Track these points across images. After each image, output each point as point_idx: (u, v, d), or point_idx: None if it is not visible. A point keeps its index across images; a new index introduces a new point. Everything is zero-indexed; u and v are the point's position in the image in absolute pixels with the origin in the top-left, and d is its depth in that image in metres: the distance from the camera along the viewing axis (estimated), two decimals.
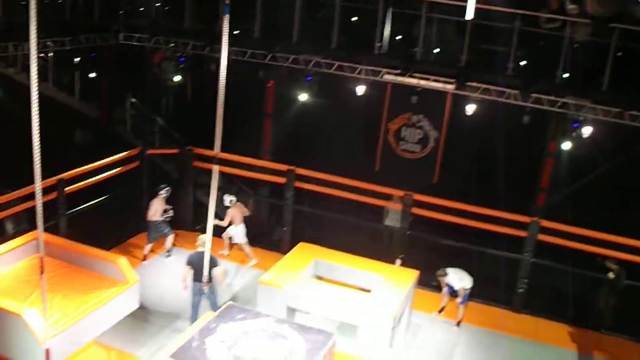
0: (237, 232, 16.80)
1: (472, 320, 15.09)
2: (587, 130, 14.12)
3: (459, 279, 14.60)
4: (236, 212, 16.73)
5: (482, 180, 17.58)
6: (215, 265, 12.96)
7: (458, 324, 14.79)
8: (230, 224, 16.71)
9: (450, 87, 15.12)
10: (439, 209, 16.25)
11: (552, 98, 14.27)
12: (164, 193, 16.69)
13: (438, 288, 15.25)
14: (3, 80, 16.74)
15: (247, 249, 16.78)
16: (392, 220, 17.64)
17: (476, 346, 14.26)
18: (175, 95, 21.19)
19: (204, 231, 13.00)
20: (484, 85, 14.69)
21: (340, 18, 15.75)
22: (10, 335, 10.74)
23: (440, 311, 15.16)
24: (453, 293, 14.83)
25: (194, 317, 13.15)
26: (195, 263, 13.01)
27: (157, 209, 16.55)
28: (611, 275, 15.06)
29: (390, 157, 18.21)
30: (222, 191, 14.41)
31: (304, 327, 11.20)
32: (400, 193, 16.54)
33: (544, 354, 14.23)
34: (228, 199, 16.72)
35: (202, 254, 12.65)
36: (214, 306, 13.18)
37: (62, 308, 11.23)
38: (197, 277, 12.95)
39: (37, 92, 8.67)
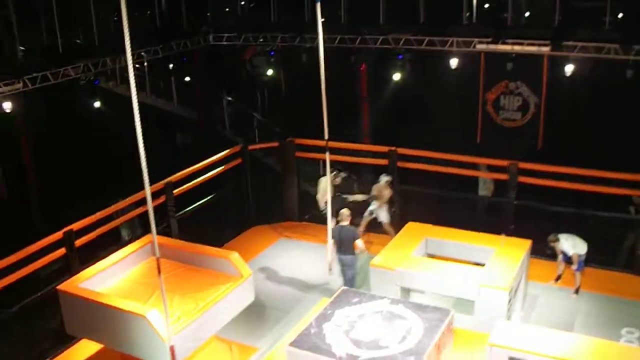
0: (382, 211, 16.73)
1: (591, 287, 14.62)
2: None
3: (572, 245, 14.17)
4: (385, 191, 16.60)
5: (589, 141, 17.03)
6: (356, 238, 13.48)
7: (576, 291, 14.39)
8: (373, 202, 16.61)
9: (545, 50, 14.74)
10: (546, 176, 15.81)
11: None
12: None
13: (553, 256, 14.84)
14: (104, 93, 17.34)
15: (389, 228, 16.68)
16: (484, 189, 17.41)
17: (597, 312, 13.80)
18: (269, 90, 21.47)
19: (312, 220, 13.20)
20: (581, 43, 14.22)
21: None
22: (136, 336, 11.11)
23: (557, 279, 14.77)
24: (568, 260, 14.44)
25: (346, 284, 13.58)
26: (339, 237, 13.48)
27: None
28: None
29: (491, 128, 17.89)
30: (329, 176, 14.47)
31: (419, 305, 11.12)
32: (505, 162, 16.16)
33: None
34: (384, 178, 16.59)
35: (345, 227, 13.52)
36: (352, 280, 13.68)
37: (182, 306, 11.54)
38: (343, 250, 13.50)
39: (137, 102, 8.92)
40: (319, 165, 14.04)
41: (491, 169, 16.83)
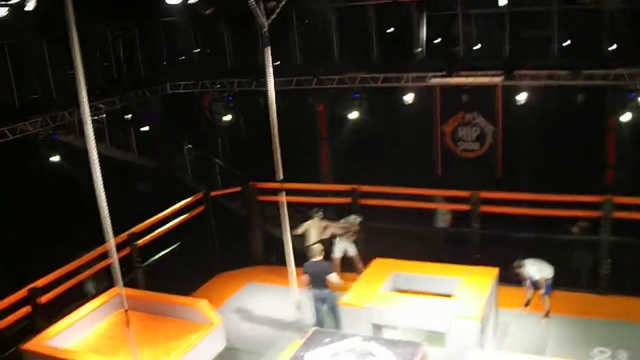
0: (350, 245, 16.68)
1: (560, 310, 14.75)
2: None
3: (537, 269, 14.31)
4: (354, 227, 16.61)
5: (546, 167, 17.29)
6: (329, 272, 13.54)
7: (546, 314, 14.51)
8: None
9: (498, 80, 15.03)
10: (507, 203, 16.02)
11: (603, 72, 14.04)
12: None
13: (520, 282, 14.96)
14: (64, 147, 17.18)
15: (358, 261, 16.61)
16: (442, 221, 17.63)
17: (568, 335, 13.92)
18: (230, 135, 21.48)
19: (277, 262, 13.12)
20: (532, 72, 14.53)
21: (377, 31, 15.78)
22: None
23: (526, 305, 14.88)
24: (535, 285, 14.57)
25: (318, 321, 13.70)
26: (312, 271, 13.53)
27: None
28: None
29: (451, 159, 18.11)
30: (291, 220, 14.46)
31: (391, 341, 11.14)
32: (466, 193, 16.34)
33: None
34: (355, 218, 16.58)
35: (318, 262, 13.61)
36: (334, 309, 13.60)
37: (153, 358, 11.43)
38: (316, 284, 13.47)
39: (96, 154, 8.94)
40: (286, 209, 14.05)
41: (453, 199, 17.00)
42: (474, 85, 15.54)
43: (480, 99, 16.64)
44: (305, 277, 13.56)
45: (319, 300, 13.66)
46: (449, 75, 15.46)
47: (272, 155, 12.77)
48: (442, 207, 17.58)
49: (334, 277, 13.59)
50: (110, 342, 12.33)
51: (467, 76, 15.45)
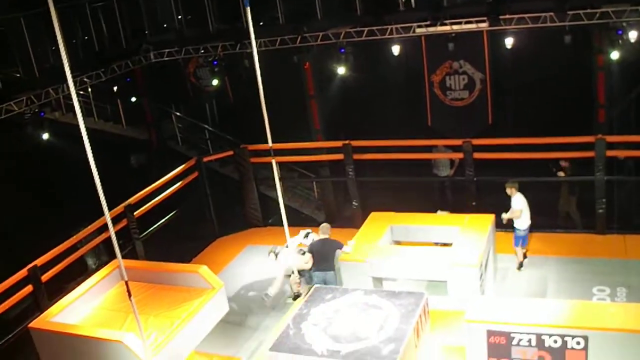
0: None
1: (559, 252, 14.87)
2: (633, 35, 13.75)
3: (521, 205, 14.13)
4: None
5: (537, 110, 17.23)
6: (341, 248, 13.27)
7: (520, 266, 14.51)
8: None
9: (483, 26, 14.93)
10: (500, 149, 16.02)
11: (589, 11, 13.94)
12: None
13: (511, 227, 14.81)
14: (51, 124, 17.07)
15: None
16: (441, 169, 17.71)
17: (566, 276, 13.99)
18: (217, 100, 21.36)
19: (275, 223, 13.08)
20: (518, 15, 14.42)
21: None
22: None
23: (520, 267, 14.76)
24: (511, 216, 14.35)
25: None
26: (321, 250, 13.31)
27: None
28: None
29: (440, 109, 18.02)
30: (284, 181, 14.40)
31: (393, 293, 11.21)
32: (459, 141, 16.32)
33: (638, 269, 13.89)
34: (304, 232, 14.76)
35: (327, 240, 13.35)
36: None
37: (157, 326, 11.48)
38: (323, 266, 13.23)
39: (85, 128, 8.88)
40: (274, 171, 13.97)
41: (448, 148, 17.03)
42: (459, 32, 15.43)
43: (467, 46, 16.52)
44: (309, 257, 13.36)
45: (321, 282, 13.17)
46: (435, 24, 15.34)
47: (260, 117, 12.70)
48: (440, 157, 17.55)
49: (349, 247, 13.34)
50: (115, 314, 12.35)
51: (452, 24, 15.34)
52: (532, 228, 14.63)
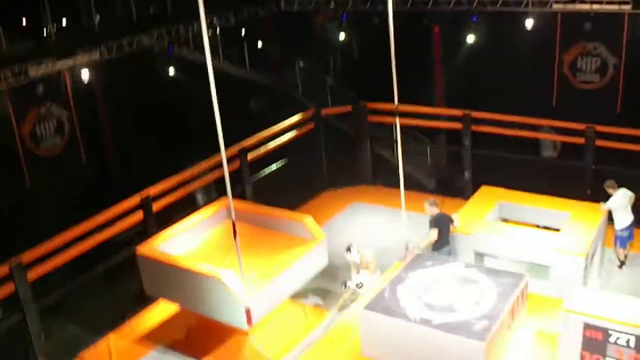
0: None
1: None
2: None
3: (618, 203, 13.43)
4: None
5: None
6: (452, 222, 12.99)
7: (621, 265, 13.96)
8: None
9: (626, 8, 14.31)
10: (624, 139, 15.42)
11: None
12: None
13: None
14: (177, 61, 17.56)
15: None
16: (547, 150, 17.20)
17: None
18: (341, 54, 21.39)
19: (385, 184, 12.92)
20: None
21: None
22: (212, 298, 11.43)
23: (621, 266, 14.24)
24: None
25: None
26: (442, 225, 12.89)
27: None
28: None
29: (567, 90, 17.50)
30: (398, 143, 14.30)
31: (493, 270, 11.08)
32: (582, 126, 15.81)
33: None
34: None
35: (444, 214, 12.90)
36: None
37: (257, 269, 11.78)
38: (440, 243, 12.85)
39: (212, 68, 9.10)
40: (392, 130, 13.90)
41: (567, 131, 16.46)
42: (598, 12, 14.85)
43: (604, 28, 15.89)
44: (434, 232, 12.83)
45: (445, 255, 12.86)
46: (574, 1, 14.84)
47: (384, 75, 12.63)
48: (550, 138, 17.08)
49: (456, 221, 13.13)
50: (217, 251, 12.76)
51: (592, 3, 14.78)
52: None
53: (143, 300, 13.75)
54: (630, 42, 16.36)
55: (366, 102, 18.19)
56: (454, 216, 13.09)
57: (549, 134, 17.10)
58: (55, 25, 17.26)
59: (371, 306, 10.22)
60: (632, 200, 13.54)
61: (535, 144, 17.59)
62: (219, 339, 12.32)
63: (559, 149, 17.45)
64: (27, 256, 12.51)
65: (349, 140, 18.96)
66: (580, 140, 16.04)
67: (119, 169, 19.26)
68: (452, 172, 18.91)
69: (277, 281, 11.71)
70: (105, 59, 15.98)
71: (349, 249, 13.02)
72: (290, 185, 18.24)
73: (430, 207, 12.95)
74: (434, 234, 12.66)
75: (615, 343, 9.12)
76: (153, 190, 14.58)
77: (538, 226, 13.57)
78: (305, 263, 12.36)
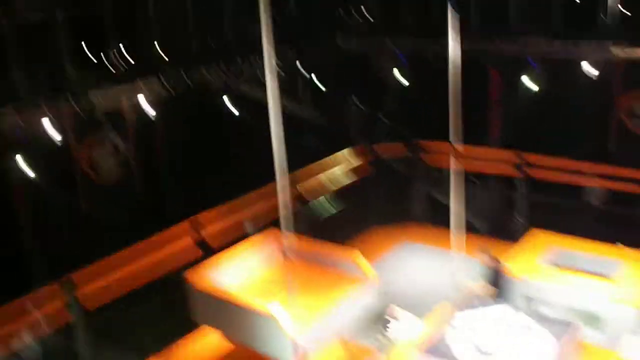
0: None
1: None
2: None
3: None
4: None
5: None
6: None
7: None
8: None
9: None
10: None
11: None
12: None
13: None
14: (236, 95, 17.81)
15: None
16: (589, 196, 17.14)
17: None
18: (398, 93, 21.41)
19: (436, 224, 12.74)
20: None
21: None
22: (262, 332, 11.45)
23: None
24: None
25: None
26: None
27: None
28: None
29: (625, 136, 17.28)
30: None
31: (546, 317, 10.94)
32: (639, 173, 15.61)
33: None
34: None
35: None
36: None
37: (307, 305, 11.76)
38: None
39: (278, 105, 9.27)
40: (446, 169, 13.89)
41: (624, 179, 16.23)
42: None
43: None
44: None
45: None
46: (634, 47, 14.73)
47: (441, 115, 12.66)
48: (620, 187, 16.79)
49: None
50: (267, 285, 12.77)
51: None
52: None
53: (188, 326, 13.83)
54: None
55: (422, 140, 18.19)
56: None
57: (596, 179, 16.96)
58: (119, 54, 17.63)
59: (425, 347, 10.14)
60: None
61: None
62: None
63: (603, 197, 17.23)
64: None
65: (402, 178, 18.95)
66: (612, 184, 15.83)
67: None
68: (503, 215, 18.74)
69: (328, 319, 11.68)
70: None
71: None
72: (339, 218, 18.20)
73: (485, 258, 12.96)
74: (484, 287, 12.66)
75: None
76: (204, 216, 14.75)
77: (590, 273, 13.39)
78: (355, 302, 12.30)
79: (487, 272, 12.74)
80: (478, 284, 12.59)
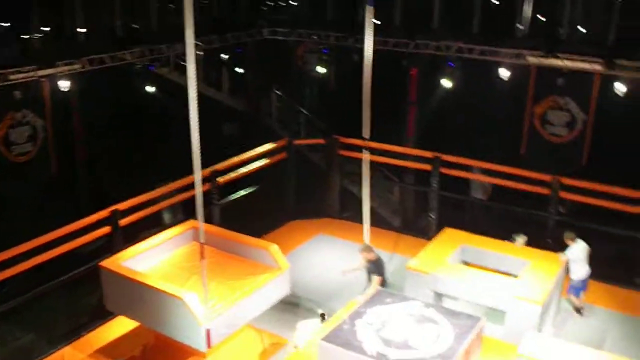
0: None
1: (627, 309, 14.62)
2: None
3: (577, 256, 13.87)
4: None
5: (634, 162, 16.84)
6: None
7: (578, 311, 14.33)
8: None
9: (598, 67, 14.74)
10: (588, 193, 15.81)
11: None
12: None
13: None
14: (158, 79, 17.64)
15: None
16: (476, 191, 17.91)
17: (629, 334, 13.76)
18: (318, 86, 21.62)
19: (350, 219, 12.99)
20: (636, 64, 14.19)
21: (480, 1, 15.63)
22: (172, 317, 11.44)
23: (578, 311, 14.60)
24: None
25: None
26: (383, 268, 13.33)
27: None
28: None
29: (536, 141, 17.88)
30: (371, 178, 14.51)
31: (451, 311, 11.25)
32: (548, 177, 16.19)
33: None
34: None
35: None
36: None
37: (219, 292, 11.85)
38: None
39: (195, 90, 9.25)
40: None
41: (533, 181, 16.77)
42: (572, 69, 15.29)
43: (576, 84, 16.33)
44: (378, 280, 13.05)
45: None
46: (548, 56, 15.24)
47: (358, 111, 12.88)
48: (479, 178, 17.39)
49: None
50: (181, 271, 12.76)
51: (566, 59, 15.22)
52: (607, 279, 14.51)
53: (102, 315, 13.72)
54: (599, 99, 16.82)
55: (339, 135, 18.43)
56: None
57: (479, 174, 17.56)
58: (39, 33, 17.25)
59: (329, 338, 10.32)
60: (589, 253, 13.93)
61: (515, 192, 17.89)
62: (175, 359, 12.29)
63: (489, 192, 17.92)
64: None
65: (319, 173, 19.14)
66: (546, 191, 16.39)
67: (88, 182, 19.18)
68: (418, 212, 19.17)
69: (239, 306, 11.76)
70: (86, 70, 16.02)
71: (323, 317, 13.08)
72: (258, 212, 18.31)
73: (368, 253, 13.16)
74: (377, 282, 12.84)
75: None
76: (122, 205, 14.59)
77: (498, 271, 13.84)
78: (267, 291, 12.44)
79: (375, 265, 13.07)
80: (375, 277, 12.87)
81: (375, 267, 13.05)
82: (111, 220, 14.29)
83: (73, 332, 13.57)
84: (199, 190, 10.01)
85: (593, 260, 14.12)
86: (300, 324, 12.81)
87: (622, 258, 16.13)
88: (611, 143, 17.35)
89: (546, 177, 16.28)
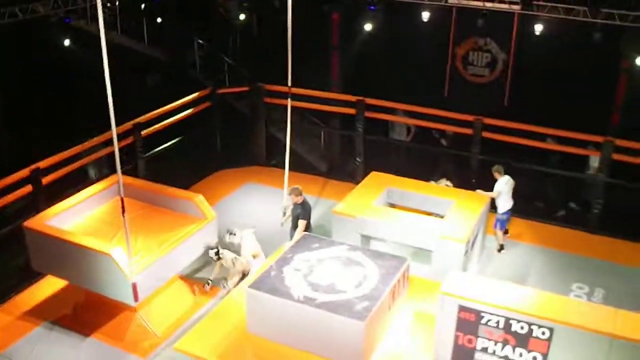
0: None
1: (549, 243, 15.09)
2: None
3: (502, 188, 14.32)
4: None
5: (554, 101, 17.20)
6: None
7: (500, 248, 14.84)
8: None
9: (516, 8, 14.92)
10: (509, 132, 16.13)
11: (623, 12, 13.90)
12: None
13: (513, 211, 15.01)
14: (75, 32, 17.12)
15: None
16: (398, 133, 18.32)
17: (550, 268, 14.28)
18: (241, 34, 21.33)
19: (279, 166, 13.02)
20: (552, 4, 14.39)
21: None
22: (100, 273, 11.38)
23: (505, 232, 15.05)
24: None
25: None
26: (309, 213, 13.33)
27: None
28: None
29: (458, 82, 18.10)
30: (294, 126, 14.45)
31: (377, 253, 11.40)
32: (470, 117, 16.42)
33: (621, 275, 14.05)
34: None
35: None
36: None
37: (145, 245, 11.80)
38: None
39: (105, 41, 9.03)
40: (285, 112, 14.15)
41: (456, 122, 17.00)
42: (491, 10, 15.43)
43: (496, 25, 16.52)
44: (303, 224, 13.10)
45: None
46: None
47: (282, 58, 12.79)
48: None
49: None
50: (107, 226, 12.65)
51: (485, 0, 15.35)
52: (529, 215, 14.96)
53: (29, 276, 13.51)
54: (519, 40, 17.06)
55: (263, 83, 18.30)
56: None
57: (402, 117, 17.93)
58: None
59: (256, 285, 10.37)
60: (513, 187, 14.34)
61: (426, 132, 18.13)
62: (107, 315, 12.21)
63: (412, 133, 18.24)
64: None
65: (245, 121, 19.02)
66: (468, 131, 16.64)
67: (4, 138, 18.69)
68: (345, 156, 19.27)
69: (165, 258, 11.77)
70: None
71: (232, 233, 13.19)
72: (184, 164, 18.15)
73: (296, 196, 13.12)
74: (303, 225, 12.96)
75: (487, 324, 9.58)
76: (43, 163, 14.24)
77: (424, 212, 14.08)
78: (194, 242, 12.44)
79: (303, 207, 13.13)
80: (301, 221, 12.97)
81: (303, 210, 13.10)
82: (32, 178, 13.92)
83: (1, 294, 13.29)
84: (115, 143, 9.85)
85: (516, 197, 14.51)
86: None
87: (543, 195, 16.62)
88: (531, 83, 17.66)
89: (469, 118, 16.51)
